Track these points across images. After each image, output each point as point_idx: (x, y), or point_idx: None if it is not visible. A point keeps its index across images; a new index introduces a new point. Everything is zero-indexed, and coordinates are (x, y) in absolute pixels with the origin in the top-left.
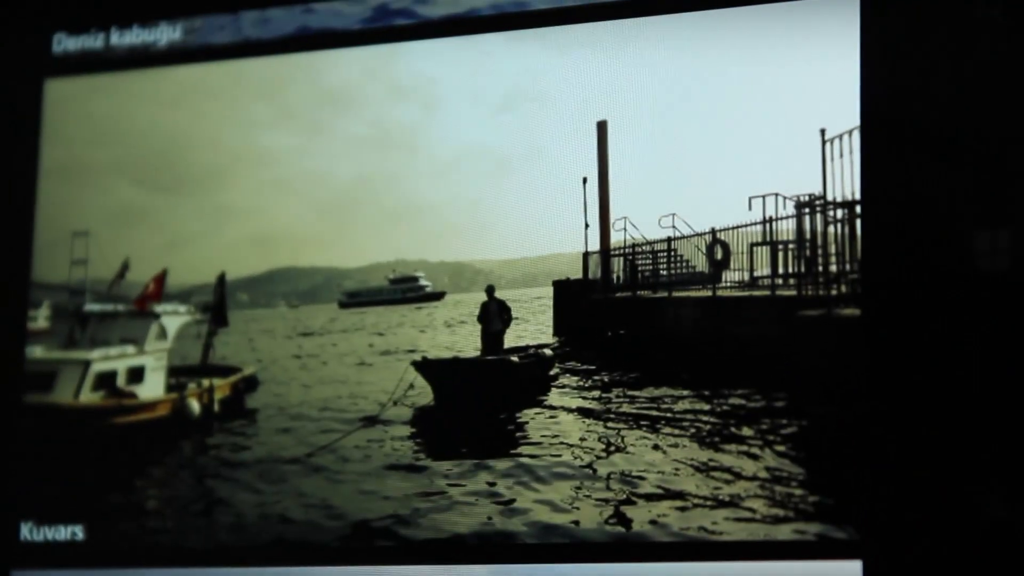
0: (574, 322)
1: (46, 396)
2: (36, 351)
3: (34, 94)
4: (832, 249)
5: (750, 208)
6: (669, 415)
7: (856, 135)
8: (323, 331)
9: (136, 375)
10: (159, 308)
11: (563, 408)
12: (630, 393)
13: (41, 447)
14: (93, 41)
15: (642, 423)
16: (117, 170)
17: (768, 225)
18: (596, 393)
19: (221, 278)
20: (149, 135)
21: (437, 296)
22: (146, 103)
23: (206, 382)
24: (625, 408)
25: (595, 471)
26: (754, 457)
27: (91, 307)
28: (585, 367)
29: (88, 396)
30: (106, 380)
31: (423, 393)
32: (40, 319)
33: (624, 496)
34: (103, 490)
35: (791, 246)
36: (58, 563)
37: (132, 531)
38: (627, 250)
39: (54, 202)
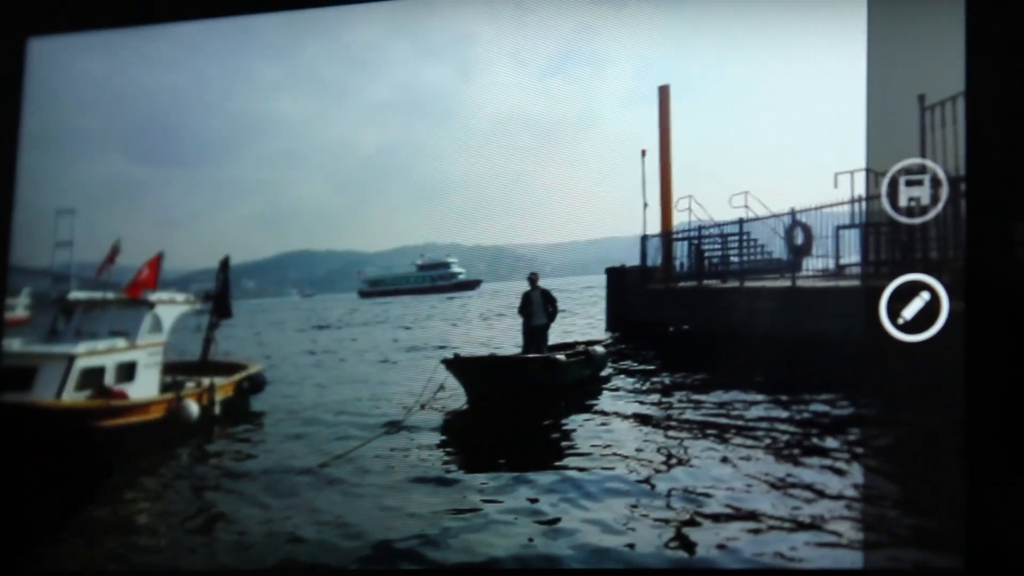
0: (630, 315)
1: (24, 395)
2: (14, 344)
3: (15, 53)
4: (933, 232)
5: (836, 185)
6: (740, 423)
7: (961, 101)
8: (340, 324)
9: (127, 372)
10: (154, 296)
11: (617, 414)
12: (695, 397)
13: (18, 454)
14: None
15: (709, 432)
16: (108, 140)
17: (857, 205)
18: (655, 397)
19: (224, 263)
20: (144, 100)
21: (471, 285)
22: (142, 64)
23: (206, 381)
24: (689, 414)
25: (653, 487)
26: (840, 472)
27: (77, 295)
28: (643, 367)
29: (72, 396)
30: (93, 377)
31: (455, 395)
32: (19, 308)
33: (687, 516)
34: (88, 503)
35: (884, 229)
36: None
37: (121, 551)
38: (692, 233)
39: (36, 176)
